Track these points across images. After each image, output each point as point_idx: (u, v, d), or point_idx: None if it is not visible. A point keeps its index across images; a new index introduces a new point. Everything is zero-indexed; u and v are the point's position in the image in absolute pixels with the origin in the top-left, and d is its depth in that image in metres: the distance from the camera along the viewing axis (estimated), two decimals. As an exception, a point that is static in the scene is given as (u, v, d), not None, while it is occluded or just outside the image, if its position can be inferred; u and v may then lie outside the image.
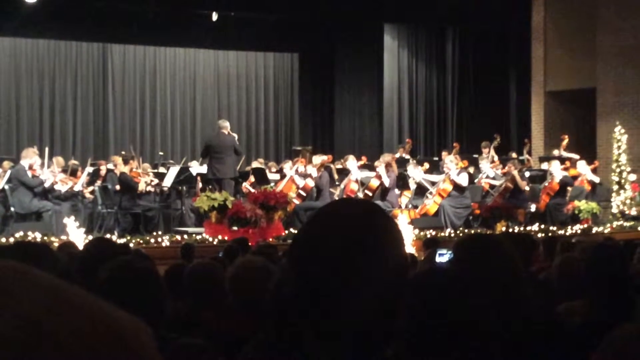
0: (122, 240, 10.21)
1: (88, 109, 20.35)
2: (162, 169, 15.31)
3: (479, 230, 12.64)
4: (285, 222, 12.52)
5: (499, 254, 2.40)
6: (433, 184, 14.15)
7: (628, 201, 15.62)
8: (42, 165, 12.76)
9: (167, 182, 13.61)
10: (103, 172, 13.95)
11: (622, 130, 16.07)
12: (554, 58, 18.47)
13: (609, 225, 14.74)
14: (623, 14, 16.74)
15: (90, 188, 13.49)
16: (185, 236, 11.61)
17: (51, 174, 12.57)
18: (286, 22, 20.36)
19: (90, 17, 18.66)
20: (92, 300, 0.65)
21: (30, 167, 12.03)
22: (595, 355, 2.44)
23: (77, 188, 13.00)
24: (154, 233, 11.88)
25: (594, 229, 14.02)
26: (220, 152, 12.65)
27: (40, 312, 0.61)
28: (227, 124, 13.04)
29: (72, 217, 11.20)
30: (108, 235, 10.69)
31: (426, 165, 15.48)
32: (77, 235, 10.44)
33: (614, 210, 15.58)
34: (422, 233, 12.34)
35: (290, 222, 12.80)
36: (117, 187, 12.82)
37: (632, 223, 15.19)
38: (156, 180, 13.77)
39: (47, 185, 12.18)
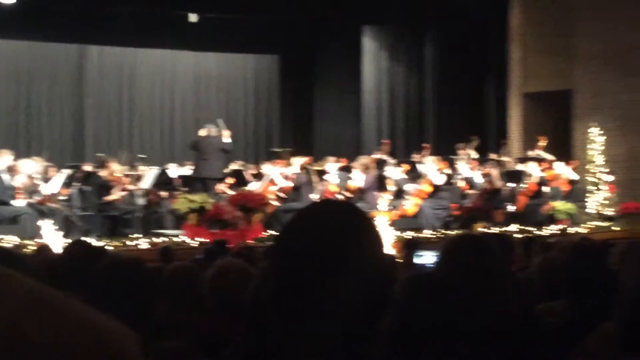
0: (99, 243, 10.13)
1: (64, 110, 20.18)
2: (140, 171, 15.20)
3: (458, 232, 12.69)
4: (265, 224, 12.51)
5: (487, 255, 2.41)
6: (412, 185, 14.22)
7: (604, 202, 15.76)
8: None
9: (146, 184, 13.54)
10: (82, 174, 13.84)
11: (599, 132, 16.20)
12: (531, 60, 18.59)
13: (585, 225, 14.88)
14: (599, 16, 16.89)
15: (67, 190, 13.38)
16: (164, 238, 11.56)
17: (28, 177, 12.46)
18: (266, 24, 20.33)
19: (67, 17, 18.49)
20: (75, 305, 0.64)
21: (11, 170, 11.93)
22: (573, 355, 2.46)
23: (54, 190, 12.89)
24: (133, 236, 11.82)
25: (571, 229, 14.14)
26: (207, 152, 13.11)
27: (19, 315, 0.60)
28: (213, 129, 13.60)
29: (49, 220, 11.09)
30: (85, 239, 10.61)
31: (406, 167, 15.53)
32: (53, 238, 10.35)
33: (591, 210, 15.72)
34: (401, 234, 12.37)
35: (269, 223, 12.79)
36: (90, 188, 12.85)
37: (608, 223, 15.33)
38: (132, 187, 13.68)
39: (21, 185, 12.03)
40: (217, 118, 15.41)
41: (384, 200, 14.46)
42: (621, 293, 1.38)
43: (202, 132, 13.66)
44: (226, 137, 13.55)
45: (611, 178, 15.99)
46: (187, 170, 14.80)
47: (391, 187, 14.68)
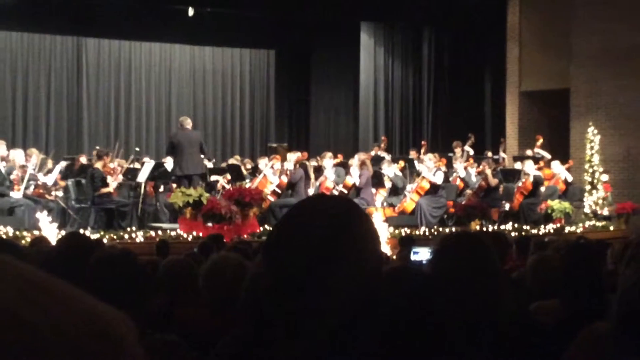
0: (95, 236, 10.12)
1: (62, 103, 20.15)
2: (137, 165, 15.20)
3: (453, 229, 12.69)
4: (260, 219, 12.51)
5: (482, 252, 2.40)
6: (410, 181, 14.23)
7: (600, 201, 15.78)
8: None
9: (142, 177, 13.53)
10: (78, 167, 13.82)
11: (595, 131, 16.22)
12: (528, 58, 18.58)
13: (581, 225, 14.89)
14: (597, 16, 16.87)
15: (63, 182, 13.37)
16: (160, 232, 11.55)
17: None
18: (263, 19, 20.30)
19: (65, 10, 18.47)
20: (74, 292, 0.64)
21: (4, 159, 11.93)
22: (567, 354, 2.46)
23: (50, 182, 12.87)
24: (128, 229, 11.81)
25: (567, 229, 14.16)
26: (189, 147, 12.78)
27: (18, 303, 0.60)
28: (189, 120, 13.23)
29: (45, 212, 11.08)
30: (81, 231, 10.61)
31: (401, 164, 15.54)
32: (49, 230, 10.34)
33: (586, 210, 15.73)
34: (396, 231, 12.37)
35: (265, 218, 12.79)
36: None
37: (604, 223, 15.35)
38: (128, 180, 13.64)
39: (15, 176, 12.02)
40: (215, 113, 15.22)
41: (379, 196, 14.48)
42: (619, 292, 1.37)
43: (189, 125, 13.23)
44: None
45: (607, 178, 16.00)
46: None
47: (387, 184, 14.68)
